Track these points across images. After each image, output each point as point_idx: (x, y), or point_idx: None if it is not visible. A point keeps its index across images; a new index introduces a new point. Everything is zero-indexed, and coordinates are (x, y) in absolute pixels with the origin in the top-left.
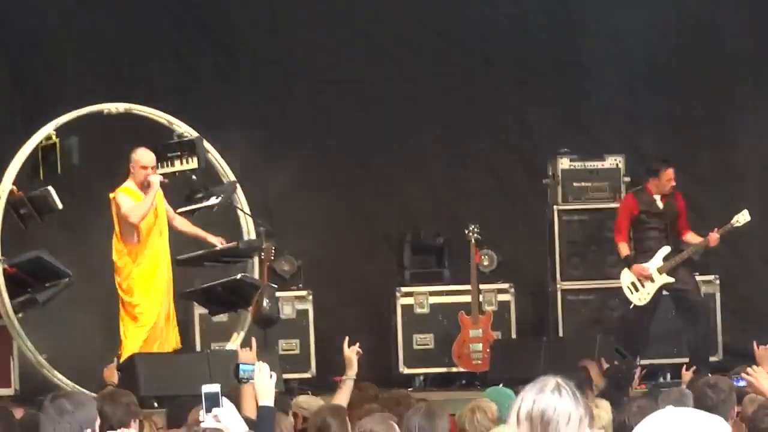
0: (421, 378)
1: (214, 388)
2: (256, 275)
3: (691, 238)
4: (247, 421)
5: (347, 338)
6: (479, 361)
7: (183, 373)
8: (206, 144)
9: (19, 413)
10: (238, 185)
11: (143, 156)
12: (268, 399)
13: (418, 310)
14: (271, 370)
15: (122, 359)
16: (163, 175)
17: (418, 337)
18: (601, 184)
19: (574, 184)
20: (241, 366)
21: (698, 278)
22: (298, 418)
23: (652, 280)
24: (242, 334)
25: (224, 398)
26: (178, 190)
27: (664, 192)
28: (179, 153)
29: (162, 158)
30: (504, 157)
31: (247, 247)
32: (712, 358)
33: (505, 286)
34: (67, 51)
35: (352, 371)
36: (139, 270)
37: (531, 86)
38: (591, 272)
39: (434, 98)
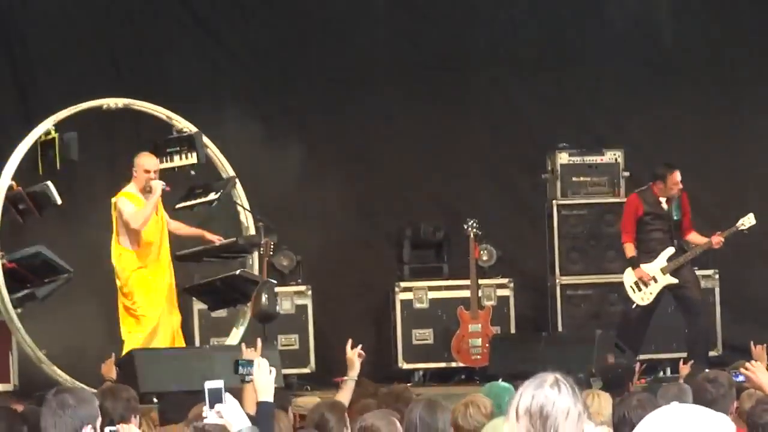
0: (421, 373)
1: (218, 384)
2: (256, 271)
3: (694, 238)
4: (247, 416)
5: (350, 340)
6: (478, 356)
7: (182, 369)
8: (205, 139)
9: (18, 409)
10: (237, 181)
11: (146, 160)
12: (267, 395)
13: (418, 305)
14: (270, 365)
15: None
16: (163, 170)
17: (417, 332)
18: (599, 178)
19: (573, 178)
20: (240, 362)
21: (698, 273)
22: (295, 416)
23: (656, 281)
24: (242, 329)
25: (227, 394)
26: (178, 186)
27: (670, 195)
28: (179, 148)
29: (161, 153)
30: (503, 152)
31: (247, 243)
32: (711, 353)
33: (505, 281)
34: (67, 46)
35: (354, 372)
36: (139, 274)
37: (530, 80)
38: (590, 267)
39: (433, 93)
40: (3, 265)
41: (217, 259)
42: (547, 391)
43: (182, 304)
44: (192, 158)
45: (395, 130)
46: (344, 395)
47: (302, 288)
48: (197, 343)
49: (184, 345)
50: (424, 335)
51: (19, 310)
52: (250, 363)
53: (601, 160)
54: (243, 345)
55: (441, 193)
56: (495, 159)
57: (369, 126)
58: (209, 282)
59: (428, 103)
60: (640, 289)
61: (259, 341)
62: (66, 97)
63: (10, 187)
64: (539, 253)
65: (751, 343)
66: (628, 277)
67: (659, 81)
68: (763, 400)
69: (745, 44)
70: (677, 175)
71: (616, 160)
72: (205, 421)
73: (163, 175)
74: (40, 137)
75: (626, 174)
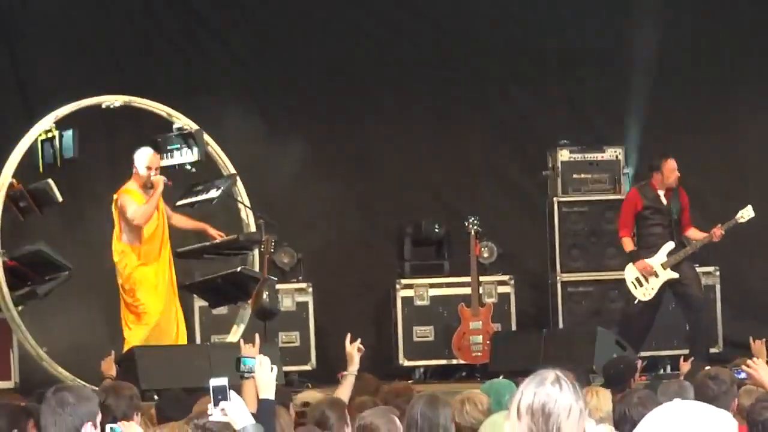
0: (421, 370)
1: (222, 381)
2: (256, 268)
3: (694, 233)
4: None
5: (349, 334)
6: (479, 353)
7: (183, 366)
8: (206, 137)
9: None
10: (238, 178)
11: (147, 157)
12: (268, 392)
13: (418, 302)
14: (272, 363)
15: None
16: (163, 168)
17: (418, 329)
18: (600, 175)
19: (574, 175)
20: (242, 359)
21: (698, 270)
22: (296, 414)
23: (657, 276)
24: (242, 326)
25: (232, 391)
26: (178, 183)
27: (669, 184)
28: (179, 146)
29: (162, 151)
30: (503, 149)
31: (247, 240)
32: (712, 350)
33: (505, 278)
34: (67, 44)
35: (354, 367)
36: (140, 270)
37: (530, 78)
38: (591, 264)
39: (434, 91)
40: (4, 262)
41: (217, 256)
42: (549, 389)
43: (183, 302)
44: (193, 156)
45: (396, 127)
46: (344, 390)
47: (303, 285)
48: (198, 340)
49: (186, 341)
50: (424, 332)
51: (19, 308)
52: (251, 360)
53: (602, 157)
54: (241, 341)
55: (442, 190)
56: (496, 156)
57: (370, 123)
58: (210, 279)
59: (429, 101)
60: (641, 285)
61: (257, 337)
62: (66, 94)
63: (11, 185)
64: (540, 251)
65: (751, 338)
66: (630, 272)
67: (660, 78)
68: (763, 398)
69: (745, 40)
70: (672, 162)
71: (617, 157)
72: (210, 418)
73: (164, 172)
74: (41, 135)
75: (627, 171)
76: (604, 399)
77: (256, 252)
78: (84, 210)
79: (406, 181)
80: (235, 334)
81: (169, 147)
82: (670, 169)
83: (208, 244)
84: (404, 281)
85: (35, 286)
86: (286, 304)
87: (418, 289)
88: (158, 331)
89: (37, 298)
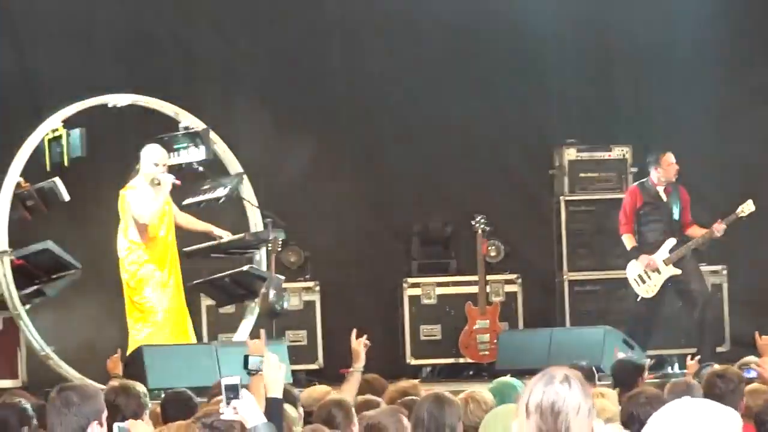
0: (429, 369)
1: (234, 380)
2: (264, 267)
3: (694, 232)
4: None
5: (355, 330)
6: (486, 352)
7: (190, 365)
8: (213, 135)
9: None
10: (245, 177)
11: (155, 153)
12: (276, 391)
13: (426, 301)
14: (279, 361)
15: (128, 354)
16: (170, 167)
17: (425, 327)
18: (607, 174)
19: (581, 174)
20: (249, 357)
21: (706, 268)
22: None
23: (659, 272)
24: (251, 318)
25: (244, 390)
26: (185, 182)
27: (669, 179)
28: (186, 144)
29: (169, 150)
30: (511, 148)
31: (255, 239)
32: (719, 349)
33: (512, 276)
34: (74, 43)
35: (360, 363)
36: (147, 267)
37: (537, 76)
38: (598, 263)
39: (441, 88)
40: (11, 261)
41: (225, 255)
42: (558, 387)
43: (190, 300)
44: (199, 154)
45: (404, 126)
46: (350, 387)
47: (310, 284)
48: (205, 339)
49: (192, 340)
50: (432, 331)
51: (27, 307)
52: (259, 358)
53: (609, 156)
54: (248, 339)
55: (449, 189)
56: (503, 155)
57: (377, 122)
58: (217, 278)
59: (436, 99)
60: (644, 282)
61: (263, 333)
62: (73, 93)
63: (18, 184)
64: (547, 249)
65: (756, 333)
66: (632, 269)
67: (667, 76)
68: None
69: (749, 34)
70: (670, 156)
71: (624, 156)
72: (222, 417)
73: (171, 171)
74: (48, 134)
75: (634, 170)
76: (611, 399)
77: (264, 251)
78: (91, 209)
79: (414, 180)
80: (242, 330)
81: (175, 146)
82: (669, 162)
83: (215, 243)
84: (411, 280)
85: (42, 285)
86: (294, 303)
87: (426, 288)
88: (165, 330)
89: (44, 297)
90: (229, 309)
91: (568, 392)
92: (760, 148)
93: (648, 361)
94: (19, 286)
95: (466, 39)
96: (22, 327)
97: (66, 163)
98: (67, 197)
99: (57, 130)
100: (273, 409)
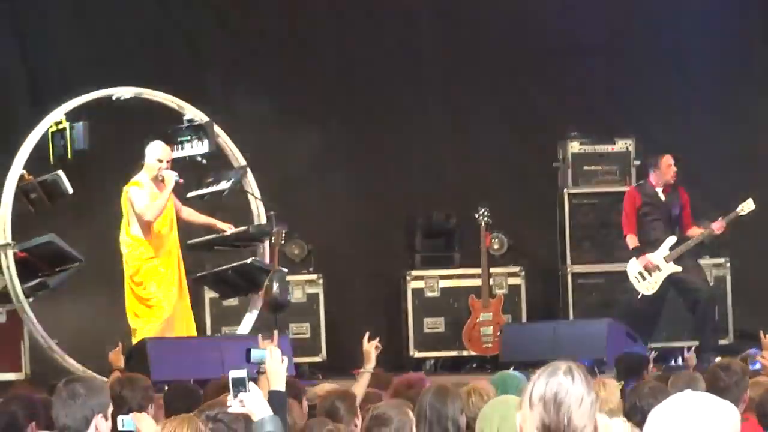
0: (432, 362)
1: (241, 373)
2: (267, 259)
3: (694, 232)
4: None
5: (367, 333)
6: (490, 345)
7: (194, 358)
8: (216, 128)
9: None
10: (248, 169)
11: (158, 149)
12: (279, 384)
13: (429, 294)
14: (283, 354)
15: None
16: (174, 160)
17: (428, 320)
18: (611, 167)
19: (584, 167)
20: (252, 350)
21: (709, 261)
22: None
23: (660, 270)
24: (255, 312)
25: (251, 383)
26: (189, 175)
27: (667, 181)
28: (190, 137)
29: (172, 143)
30: (514, 141)
31: (258, 232)
32: (722, 342)
33: (516, 269)
34: (77, 35)
35: (370, 365)
36: (151, 263)
37: (541, 69)
38: (601, 255)
39: (445, 81)
40: (14, 254)
41: (228, 247)
42: (561, 379)
43: (193, 293)
44: (203, 147)
45: (407, 118)
46: (359, 387)
47: (313, 277)
48: (208, 332)
49: (194, 334)
50: (435, 324)
51: (30, 299)
52: (262, 351)
53: (613, 149)
54: (260, 336)
55: (452, 181)
56: (506, 148)
57: (381, 114)
58: (221, 271)
59: (441, 91)
60: (644, 279)
61: (276, 333)
62: (77, 86)
63: (22, 177)
64: (550, 242)
65: (761, 332)
66: (632, 267)
67: (670, 69)
68: None
69: (755, 28)
70: (668, 158)
71: (627, 149)
72: (229, 410)
73: (174, 164)
74: (51, 127)
75: (637, 163)
76: (612, 391)
77: (267, 244)
78: (94, 202)
79: (417, 172)
80: (245, 323)
81: (179, 139)
82: (667, 164)
83: (218, 236)
84: (415, 273)
85: (46, 278)
86: (297, 295)
87: (429, 281)
88: (171, 325)
89: (47, 290)
90: (233, 302)
91: (571, 384)
92: (763, 140)
93: (652, 354)
94: (23, 279)
95: (470, 31)
96: (26, 320)
97: (69, 156)
98: (70, 190)
99: (60, 122)
100: (276, 402)
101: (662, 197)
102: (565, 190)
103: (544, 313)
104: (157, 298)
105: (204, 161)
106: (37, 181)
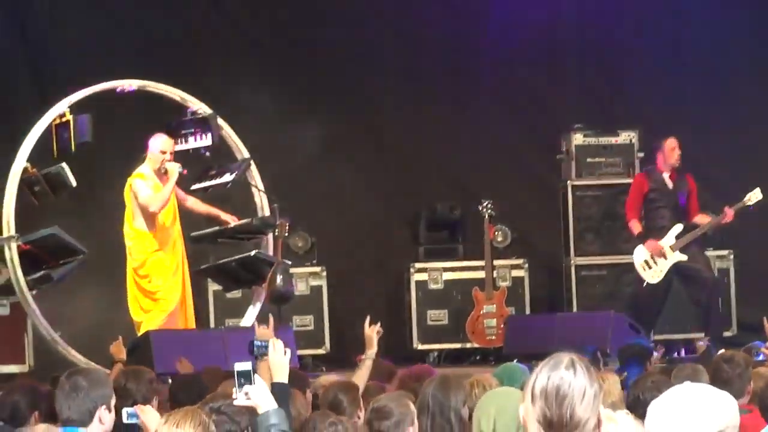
0: (435, 354)
1: (247, 365)
2: (270, 252)
3: (701, 219)
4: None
5: (368, 317)
6: (493, 337)
7: (197, 350)
8: (220, 121)
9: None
10: (252, 162)
11: (162, 141)
12: (282, 376)
13: (432, 286)
14: (286, 346)
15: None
16: (177, 152)
17: (432, 312)
18: (614, 159)
19: (588, 159)
20: (255, 342)
21: (713, 253)
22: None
23: (665, 258)
24: (258, 305)
25: (256, 375)
26: (192, 168)
27: (672, 164)
28: (193, 130)
29: (176, 135)
30: (518, 133)
31: (261, 224)
32: (726, 333)
33: (519, 261)
34: (81, 28)
35: (372, 351)
36: (156, 256)
37: (545, 61)
38: (605, 247)
39: (449, 73)
40: (18, 246)
41: (232, 240)
42: (563, 372)
43: (197, 285)
44: (206, 140)
45: (411, 110)
46: (362, 374)
47: (317, 269)
48: (212, 324)
49: (193, 326)
50: (438, 316)
51: (34, 292)
52: (265, 343)
53: (616, 141)
54: (256, 323)
55: (456, 173)
56: (510, 140)
57: (385, 106)
58: (224, 263)
59: (444, 83)
60: (650, 267)
61: (271, 319)
62: (80, 79)
63: (26, 169)
64: (554, 234)
65: (765, 318)
66: (639, 254)
67: (675, 61)
68: None
69: (761, 22)
70: (672, 141)
71: (631, 141)
72: (234, 402)
73: (178, 156)
74: (55, 119)
75: (641, 155)
76: (613, 384)
77: (271, 236)
78: (98, 194)
79: (421, 164)
80: (249, 316)
81: (183, 131)
82: (671, 147)
83: (222, 228)
84: (418, 265)
85: (49, 270)
86: (300, 287)
87: (432, 273)
88: (175, 318)
89: (51, 282)
90: (236, 294)
91: (573, 377)
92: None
93: (660, 347)
94: (26, 271)
95: (474, 23)
96: (29, 312)
97: (73, 149)
98: (74, 183)
99: (64, 115)
100: (279, 394)
101: (670, 185)
102: (568, 182)
103: (547, 305)
104: (162, 291)
105: (207, 153)
106: (41, 174)
